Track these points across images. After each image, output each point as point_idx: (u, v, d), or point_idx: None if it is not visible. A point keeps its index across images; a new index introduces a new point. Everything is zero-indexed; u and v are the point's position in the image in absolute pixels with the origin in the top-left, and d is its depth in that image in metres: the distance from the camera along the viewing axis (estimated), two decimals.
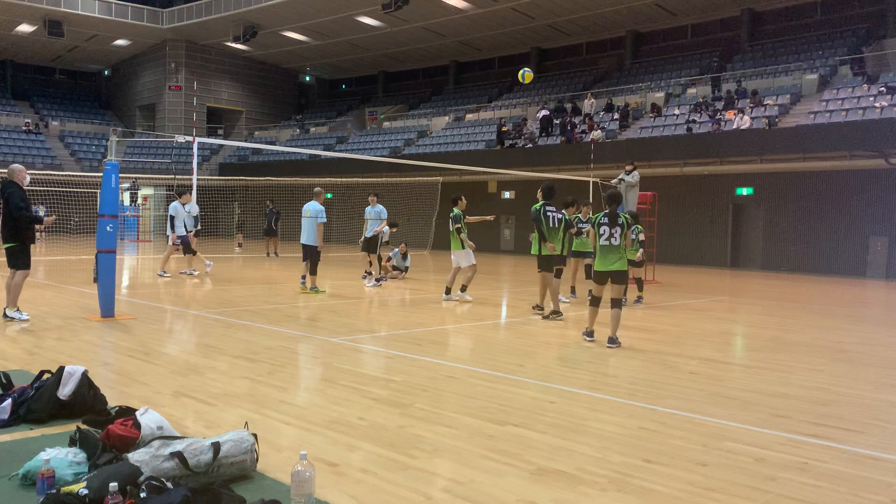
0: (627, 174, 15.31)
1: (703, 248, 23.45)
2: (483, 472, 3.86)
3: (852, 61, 24.66)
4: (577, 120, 27.76)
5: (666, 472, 3.93)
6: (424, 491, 3.60)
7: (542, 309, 10.61)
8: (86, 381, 4.64)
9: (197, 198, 14.01)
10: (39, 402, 4.52)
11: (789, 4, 28.85)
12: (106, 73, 45.41)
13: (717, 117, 23.74)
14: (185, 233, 15.29)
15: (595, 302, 8.21)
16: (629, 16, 31.07)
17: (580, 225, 11.55)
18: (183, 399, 5.24)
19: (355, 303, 11.75)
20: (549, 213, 10.13)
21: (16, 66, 42.41)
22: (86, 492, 3.12)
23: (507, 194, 28.65)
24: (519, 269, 19.90)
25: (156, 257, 16.31)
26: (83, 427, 3.96)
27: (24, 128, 38.54)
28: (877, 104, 20.73)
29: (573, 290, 12.81)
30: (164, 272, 15.04)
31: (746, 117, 22.68)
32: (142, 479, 3.23)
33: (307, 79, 47.23)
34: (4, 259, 8.67)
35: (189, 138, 10.40)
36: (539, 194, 10.31)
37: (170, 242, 15.27)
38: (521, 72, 10.87)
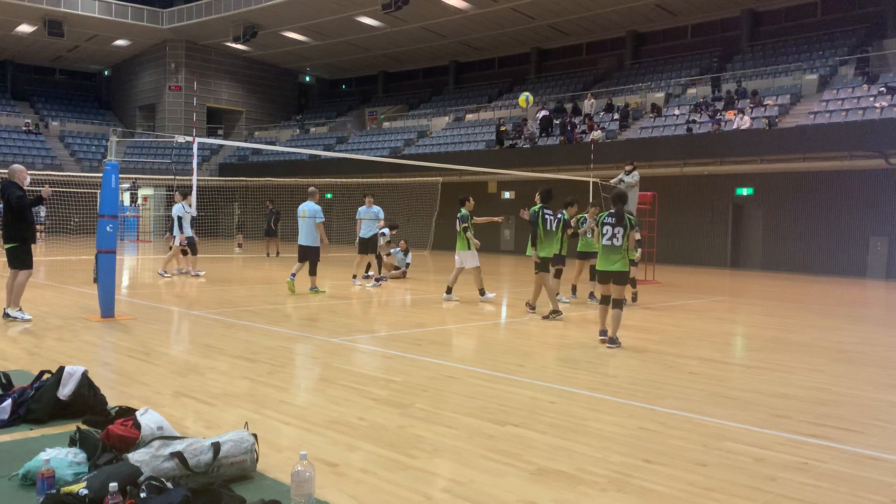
0: (627, 174, 15.29)
1: (703, 248, 23.45)
2: (483, 472, 3.86)
3: (858, 61, 24.65)
4: (577, 120, 27.76)
5: (666, 472, 3.93)
6: (424, 491, 3.60)
7: (534, 308, 10.62)
8: (86, 382, 4.64)
9: (198, 199, 14.01)
10: (39, 402, 4.52)
11: (789, 4, 28.85)
12: (106, 73, 45.41)
13: (717, 117, 23.74)
14: (192, 233, 15.35)
15: (605, 301, 8.21)
16: (629, 16, 31.07)
17: (584, 226, 11.62)
18: (183, 399, 5.24)
19: (355, 303, 11.75)
20: (546, 217, 10.22)
21: (16, 66, 42.41)
22: (86, 492, 3.12)
23: (507, 194, 28.64)
24: (519, 269, 19.90)
25: (156, 257, 16.30)
26: (83, 427, 3.96)
27: (24, 128, 38.55)
28: (877, 104, 20.73)
29: (574, 290, 12.80)
30: (165, 272, 15.09)
31: (746, 117, 22.68)
32: (142, 479, 3.23)
33: (307, 79, 47.24)
34: (4, 259, 8.68)
35: (189, 138, 10.38)
36: (537, 197, 10.41)
37: (177, 243, 15.29)
38: (522, 96, 10.93)
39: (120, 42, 39.39)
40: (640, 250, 10.75)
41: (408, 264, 16.45)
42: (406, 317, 10.18)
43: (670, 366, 6.93)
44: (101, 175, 9.45)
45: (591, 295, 12.40)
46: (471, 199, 12.19)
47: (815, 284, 17.51)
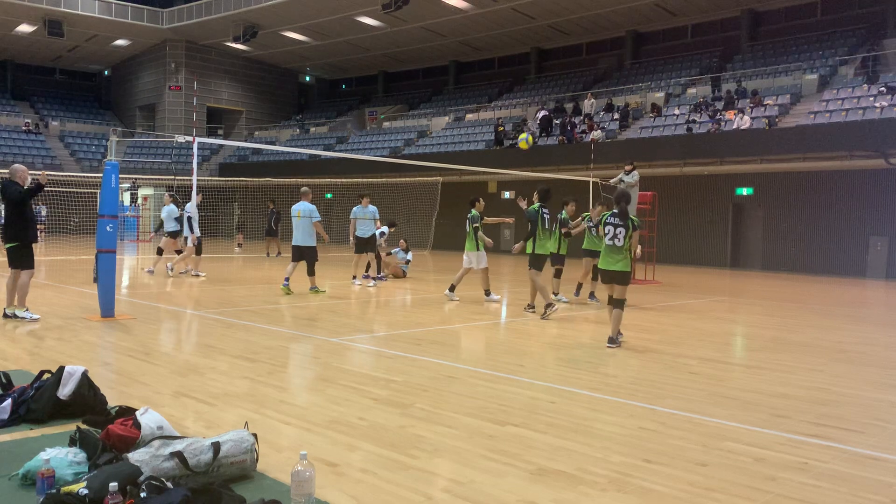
0: (627, 174, 15.32)
1: (703, 248, 23.46)
2: (483, 472, 3.86)
3: (858, 61, 24.64)
4: (577, 120, 27.76)
5: (666, 472, 3.93)
6: (424, 491, 3.60)
7: (534, 308, 10.65)
8: (86, 381, 4.64)
9: (194, 199, 13.99)
10: (39, 402, 4.52)
11: (789, 4, 28.85)
12: (106, 73, 45.41)
13: (717, 117, 23.74)
14: (199, 233, 15.39)
15: (612, 301, 8.24)
16: (629, 16, 31.06)
17: (589, 224, 11.70)
18: (183, 399, 5.24)
19: (355, 303, 11.75)
20: (545, 215, 10.36)
21: (16, 66, 42.41)
22: (86, 492, 3.12)
23: (507, 194, 28.64)
24: (519, 269, 19.90)
25: (155, 257, 16.30)
26: (83, 427, 3.96)
27: (24, 128, 38.55)
28: (877, 104, 20.73)
29: (578, 288, 12.71)
30: (176, 270, 15.22)
31: (746, 117, 22.69)
32: (142, 478, 3.23)
33: (307, 79, 47.24)
34: (5, 259, 8.67)
35: (189, 138, 10.38)
36: (535, 196, 10.57)
37: (190, 243, 15.33)
38: (522, 139, 11.03)
39: (120, 42, 39.38)
40: (638, 248, 10.79)
41: (408, 261, 16.46)
42: (406, 317, 10.18)
43: (670, 366, 6.93)
44: (101, 175, 9.45)
45: (592, 295, 12.40)
46: (481, 199, 12.26)
47: (815, 284, 17.51)
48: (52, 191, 25.19)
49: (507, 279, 16.59)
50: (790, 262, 21.82)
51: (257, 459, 3.75)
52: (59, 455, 3.52)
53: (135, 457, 3.43)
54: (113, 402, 4.85)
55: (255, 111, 43.62)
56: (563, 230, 11.84)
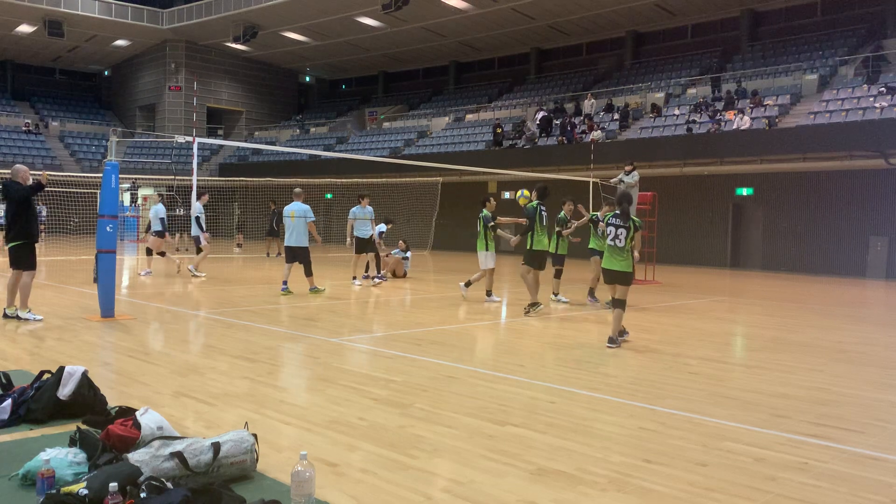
0: (627, 174, 15.32)
1: (703, 248, 23.45)
2: (483, 472, 3.86)
3: (858, 61, 24.64)
4: (577, 120, 27.76)
5: (666, 472, 3.93)
6: (424, 491, 3.60)
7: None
8: (86, 382, 4.64)
9: (195, 199, 13.99)
10: (39, 402, 4.52)
11: (789, 4, 28.85)
12: (106, 73, 45.41)
13: (717, 117, 23.74)
14: (199, 234, 15.41)
15: (614, 301, 8.28)
16: (629, 16, 31.06)
17: (597, 219, 11.77)
18: (183, 399, 5.24)
19: (355, 303, 11.75)
20: (543, 213, 10.47)
21: (16, 67, 42.41)
22: (86, 492, 3.12)
23: (507, 194, 28.63)
24: (519, 268, 19.87)
25: (155, 257, 16.29)
26: (83, 427, 3.96)
27: (24, 128, 38.55)
28: (877, 104, 20.73)
29: (591, 292, 12.67)
30: (197, 272, 15.24)
31: (746, 117, 22.68)
32: (142, 479, 3.23)
33: (307, 79, 47.23)
34: (6, 259, 8.67)
35: (189, 138, 10.38)
36: (534, 194, 10.68)
37: (203, 242, 15.36)
38: (520, 195, 11.12)
39: (120, 42, 39.39)
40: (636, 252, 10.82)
41: (407, 258, 16.47)
42: (406, 317, 10.18)
43: (670, 366, 6.93)
44: (101, 175, 9.45)
45: (591, 293, 12.39)
46: (492, 199, 12.26)
47: (815, 284, 17.51)
48: (52, 191, 25.20)
49: (507, 279, 16.59)
50: (790, 262, 21.81)
51: (257, 459, 3.75)
52: (59, 455, 3.52)
53: (135, 457, 3.43)
54: (113, 402, 4.85)
55: (255, 111, 43.62)
56: (557, 229, 11.90)
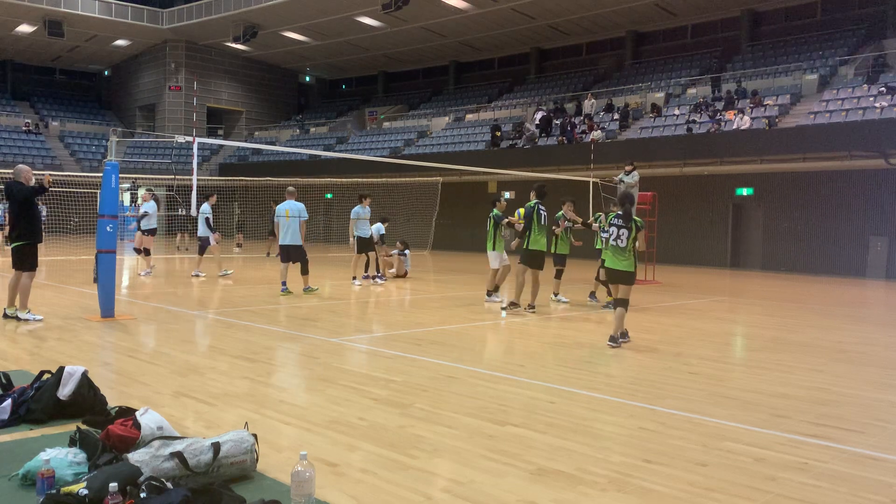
0: (627, 174, 15.32)
1: (703, 248, 23.45)
2: (483, 472, 3.86)
3: (858, 61, 24.63)
4: (576, 120, 27.76)
5: (666, 472, 3.93)
6: (424, 491, 3.60)
7: (534, 308, 10.67)
8: (86, 382, 4.64)
9: (198, 199, 14.00)
10: (39, 402, 4.52)
11: (789, 4, 28.84)
12: (106, 73, 45.40)
13: (717, 117, 23.74)
14: (207, 234, 15.44)
15: (616, 301, 8.32)
16: (629, 16, 31.06)
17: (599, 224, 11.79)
18: (183, 399, 5.24)
19: (355, 303, 11.75)
20: (541, 212, 10.53)
21: (16, 66, 42.39)
22: (86, 492, 3.12)
23: (507, 194, 28.62)
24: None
25: (156, 257, 16.31)
26: (83, 427, 3.96)
27: (24, 128, 38.54)
28: (877, 104, 20.72)
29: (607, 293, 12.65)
30: (227, 271, 15.39)
31: (746, 117, 22.68)
32: (142, 479, 3.23)
33: (307, 79, 47.23)
34: (8, 259, 8.67)
35: (189, 138, 10.37)
36: (532, 194, 10.75)
37: (213, 242, 15.39)
38: (516, 215, 11.19)
39: (120, 42, 39.38)
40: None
41: (405, 255, 16.47)
42: (406, 317, 10.18)
43: (670, 366, 6.93)
44: (101, 175, 9.45)
45: (592, 294, 12.40)
46: (503, 199, 12.25)
47: (815, 284, 17.51)
48: (52, 191, 25.18)
49: (508, 280, 16.56)
50: (790, 262, 21.81)
51: (257, 460, 3.75)
52: (59, 455, 3.52)
53: (135, 457, 3.43)
54: (113, 402, 4.85)
55: (255, 111, 43.62)
56: (554, 228, 11.93)
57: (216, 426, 4.56)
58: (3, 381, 4.76)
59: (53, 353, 6.76)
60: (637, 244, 8.10)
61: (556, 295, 12.29)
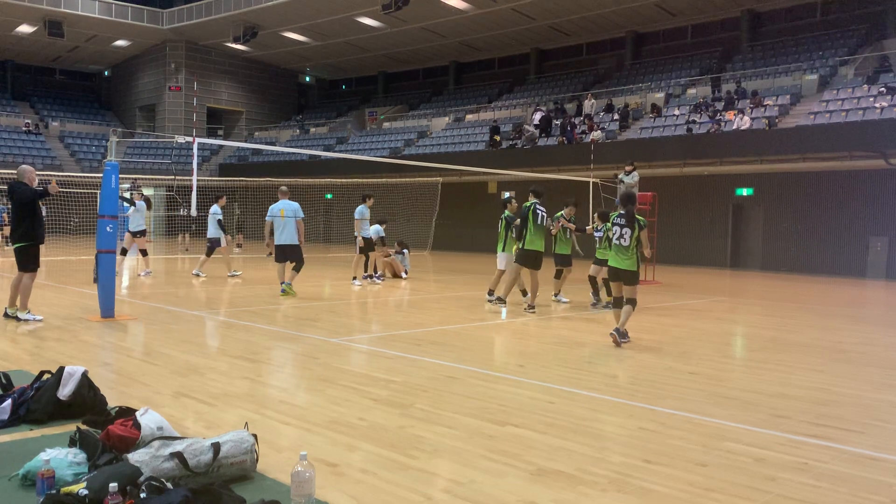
0: (627, 175, 15.33)
1: (703, 248, 23.45)
2: (483, 472, 3.86)
3: (858, 61, 24.62)
4: (576, 120, 27.76)
5: (666, 473, 3.93)
6: (424, 491, 3.60)
7: (534, 309, 10.68)
8: (86, 382, 4.64)
9: (198, 200, 13.98)
10: (39, 402, 4.52)
11: (789, 5, 28.84)
12: (106, 73, 45.41)
13: (717, 118, 23.73)
14: (218, 236, 15.45)
15: (617, 303, 8.38)
16: (629, 16, 31.06)
17: (597, 232, 11.79)
18: (183, 399, 5.24)
19: (355, 303, 11.75)
20: (538, 211, 10.56)
21: (16, 67, 42.40)
22: (86, 492, 3.12)
23: (506, 195, 28.61)
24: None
25: (156, 257, 16.32)
26: (83, 427, 3.96)
27: (24, 128, 38.54)
28: (877, 104, 20.72)
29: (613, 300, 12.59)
30: (235, 272, 15.42)
31: (746, 118, 22.68)
32: (142, 479, 3.23)
33: (307, 79, 47.22)
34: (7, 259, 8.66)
35: (189, 139, 10.37)
36: (530, 196, 10.84)
37: (223, 244, 15.39)
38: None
39: (120, 42, 39.38)
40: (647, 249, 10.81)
41: (403, 254, 16.48)
42: (406, 317, 10.18)
43: (670, 366, 6.93)
44: (101, 175, 9.45)
45: (599, 299, 12.40)
46: (514, 201, 12.22)
47: (815, 284, 17.51)
48: (58, 190, 25.17)
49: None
50: (790, 262, 21.81)
51: (257, 460, 3.75)
52: (59, 455, 3.52)
53: (135, 457, 3.43)
54: (113, 402, 4.85)
55: (255, 111, 43.62)
56: (551, 228, 11.94)
57: (216, 426, 4.56)
58: (3, 381, 4.76)
59: (53, 353, 6.76)
60: (644, 249, 8.16)
61: (555, 295, 12.30)
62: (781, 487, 3.76)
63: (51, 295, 11.28)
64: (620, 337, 7.91)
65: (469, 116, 34.25)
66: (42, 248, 8.57)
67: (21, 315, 8.56)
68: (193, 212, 11.57)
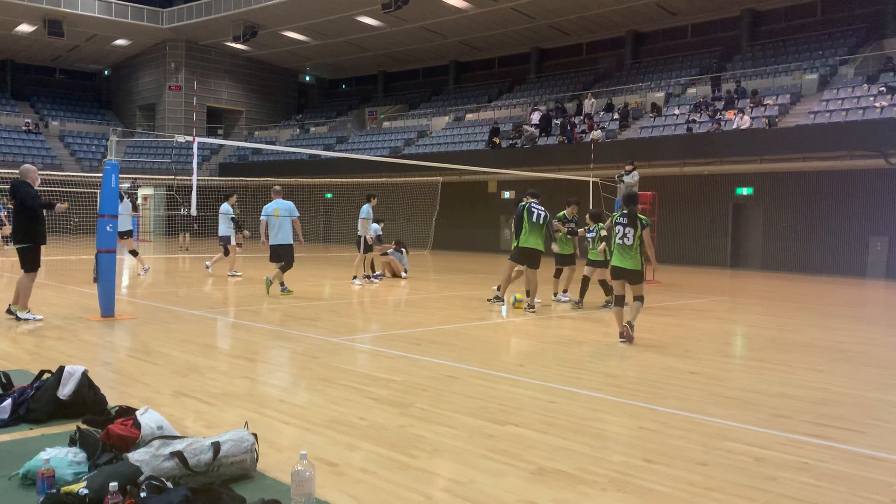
0: (627, 174, 15.32)
1: (703, 248, 23.45)
2: (483, 472, 3.86)
3: (858, 61, 24.62)
4: (576, 120, 27.75)
5: (666, 472, 3.93)
6: (424, 491, 3.60)
7: (534, 308, 10.68)
8: (86, 381, 4.64)
9: (198, 199, 13.96)
10: (39, 401, 4.52)
11: (789, 4, 28.84)
12: (106, 73, 45.40)
13: (717, 117, 23.73)
14: (229, 234, 15.48)
15: (619, 302, 8.42)
16: (629, 16, 31.05)
17: (589, 233, 11.79)
18: (183, 399, 5.24)
19: (355, 303, 11.75)
20: (533, 209, 10.63)
21: (16, 66, 42.39)
22: (86, 492, 3.11)
23: (507, 194, 28.63)
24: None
25: (156, 257, 16.32)
26: (83, 427, 3.96)
27: (24, 128, 38.53)
28: (877, 104, 20.72)
29: (603, 294, 12.58)
30: (237, 273, 15.42)
31: (746, 117, 22.68)
32: (142, 478, 3.23)
33: (307, 79, 47.22)
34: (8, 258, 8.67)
35: (189, 138, 10.36)
36: (528, 196, 10.95)
37: (233, 242, 15.40)
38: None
39: (120, 42, 39.38)
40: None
41: (401, 252, 16.48)
42: (406, 316, 10.18)
43: (670, 366, 6.93)
44: (101, 175, 9.45)
45: (606, 302, 12.38)
46: (527, 199, 12.22)
47: (815, 284, 17.51)
48: (52, 191, 25.20)
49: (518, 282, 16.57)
50: (790, 262, 21.81)
51: (257, 459, 3.75)
52: (59, 455, 3.52)
53: (135, 457, 3.43)
54: (113, 402, 4.85)
55: (255, 111, 43.61)
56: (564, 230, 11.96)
57: (216, 426, 4.56)
58: (3, 380, 4.76)
59: (53, 352, 6.76)
60: (647, 250, 8.19)
61: (556, 294, 12.30)
62: (782, 487, 3.76)
63: (51, 294, 11.28)
64: (626, 333, 7.95)
65: (469, 116, 34.25)
66: (43, 248, 8.57)
67: (21, 314, 8.56)
68: (193, 211, 11.57)
